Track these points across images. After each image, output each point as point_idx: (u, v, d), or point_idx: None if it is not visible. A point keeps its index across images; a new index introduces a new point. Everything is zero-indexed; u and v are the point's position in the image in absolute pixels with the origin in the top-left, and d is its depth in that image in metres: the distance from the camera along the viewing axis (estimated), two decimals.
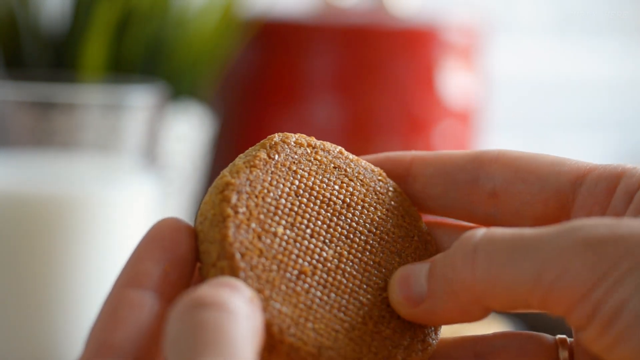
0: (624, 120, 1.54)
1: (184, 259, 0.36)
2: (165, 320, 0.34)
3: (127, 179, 0.72)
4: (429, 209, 0.40)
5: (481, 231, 0.35)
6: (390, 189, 0.39)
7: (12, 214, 0.69)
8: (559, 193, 0.37)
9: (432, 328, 0.38)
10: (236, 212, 0.35)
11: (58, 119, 0.71)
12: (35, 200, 0.69)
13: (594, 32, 1.49)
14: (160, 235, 0.35)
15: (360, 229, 0.37)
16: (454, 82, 0.99)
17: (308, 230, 0.36)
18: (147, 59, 0.84)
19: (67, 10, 0.84)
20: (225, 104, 0.99)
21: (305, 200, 0.37)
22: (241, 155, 0.37)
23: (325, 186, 0.37)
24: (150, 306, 0.35)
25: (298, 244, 0.36)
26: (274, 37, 0.97)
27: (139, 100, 0.72)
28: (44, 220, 0.69)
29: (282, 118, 0.96)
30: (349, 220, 0.37)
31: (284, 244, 0.36)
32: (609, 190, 0.37)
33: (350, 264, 0.37)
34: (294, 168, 0.37)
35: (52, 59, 0.84)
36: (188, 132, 0.87)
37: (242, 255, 0.35)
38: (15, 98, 0.71)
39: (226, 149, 0.98)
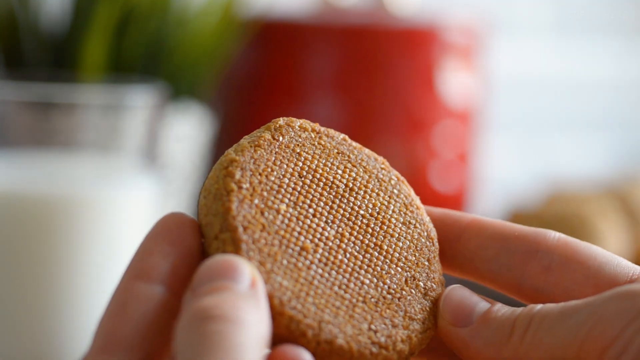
0: (624, 120, 1.54)
1: (191, 252, 0.36)
2: (174, 314, 0.34)
3: (127, 179, 0.72)
4: (477, 272, 0.41)
5: (539, 305, 0.37)
6: (393, 177, 0.39)
7: (12, 214, 0.69)
8: (612, 283, 0.39)
9: (433, 313, 0.38)
10: (240, 187, 0.36)
11: (58, 119, 0.71)
12: (35, 200, 0.69)
13: (594, 32, 1.49)
14: (167, 230, 0.36)
15: (362, 212, 0.38)
16: (454, 82, 0.99)
17: (310, 210, 0.37)
18: (147, 59, 0.84)
19: (67, 10, 0.84)
20: (225, 104, 0.99)
21: (308, 181, 0.37)
22: (246, 136, 0.38)
23: (328, 170, 0.38)
24: (159, 300, 0.35)
25: (300, 222, 0.36)
26: (274, 37, 0.97)
27: (139, 100, 0.72)
28: (44, 220, 0.69)
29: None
30: (350, 204, 0.38)
31: (286, 220, 0.36)
32: None
33: (352, 244, 0.37)
34: (298, 150, 0.38)
35: (52, 59, 0.84)
36: (188, 132, 0.87)
37: (245, 228, 0.35)
38: (15, 98, 0.71)
39: (226, 149, 0.98)
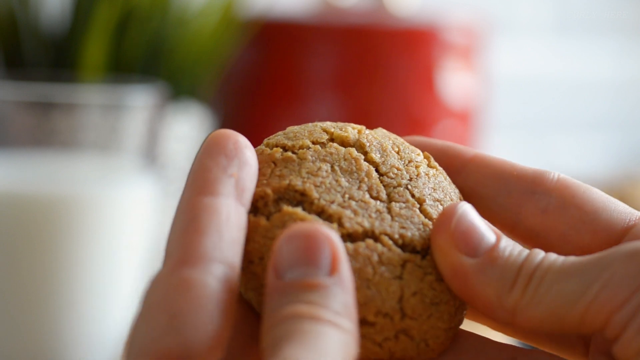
0: (624, 120, 1.54)
1: (249, 163, 0.36)
2: (243, 226, 0.35)
3: (127, 179, 0.72)
4: (475, 208, 0.40)
5: (542, 254, 0.36)
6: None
7: (12, 214, 0.69)
8: (609, 228, 0.38)
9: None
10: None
11: (58, 119, 0.71)
12: (35, 200, 0.69)
13: (594, 32, 1.49)
14: (219, 144, 0.36)
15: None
16: (454, 82, 0.99)
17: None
18: (147, 59, 0.84)
19: (67, 10, 0.84)
20: (225, 104, 0.99)
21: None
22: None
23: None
24: (227, 212, 0.35)
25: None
26: (274, 37, 0.97)
27: (139, 100, 0.72)
28: (44, 220, 0.69)
29: (282, 118, 0.96)
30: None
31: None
32: None
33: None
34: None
35: (52, 59, 0.84)
36: (188, 132, 0.87)
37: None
38: (15, 98, 0.71)
39: None
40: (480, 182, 0.40)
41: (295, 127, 0.39)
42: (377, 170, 0.38)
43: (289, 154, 0.38)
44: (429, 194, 0.38)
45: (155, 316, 0.33)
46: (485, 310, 0.36)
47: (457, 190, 0.39)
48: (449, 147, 0.41)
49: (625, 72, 1.53)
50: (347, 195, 0.37)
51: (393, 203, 0.37)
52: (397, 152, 0.40)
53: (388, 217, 0.37)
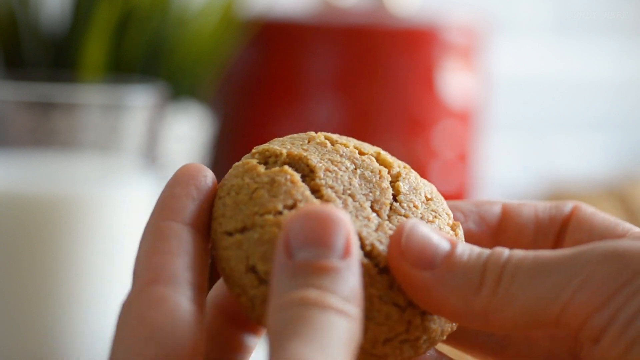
0: (624, 120, 1.54)
1: (212, 196, 0.37)
2: (205, 252, 0.36)
3: (127, 179, 0.72)
4: None
5: (507, 252, 0.35)
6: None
7: (12, 214, 0.69)
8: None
9: None
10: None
11: (58, 119, 0.71)
12: (35, 200, 0.69)
13: (594, 32, 1.49)
14: (191, 175, 0.37)
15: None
16: (454, 82, 0.99)
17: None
18: (147, 59, 0.84)
19: (67, 10, 0.84)
20: (225, 104, 0.99)
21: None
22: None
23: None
24: (192, 238, 0.36)
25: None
26: (274, 37, 0.97)
27: (139, 100, 0.72)
28: (44, 220, 0.69)
29: (282, 118, 0.96)
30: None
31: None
32: None
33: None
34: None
35: (52, 59, 0.84)
36: (188, 132, 0.87)
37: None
38: (15, 98, 0.71)
39: (226, 149, 0.98)
40: (520, 232, 0.40)
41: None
42: (394, 197, 0.38)
43: (327, 142, 0.38)
44: None
45: (135, 330, 0.33)
46: (456, 318, 0.35)
47: None
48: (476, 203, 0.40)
49: (625, 72, 1.53)
50: (349, 192, 0.37)
51: (387, 222, 0.37)
52: (427, 200, 0.39)
53: (373, 226, 0.37)
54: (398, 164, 0.39)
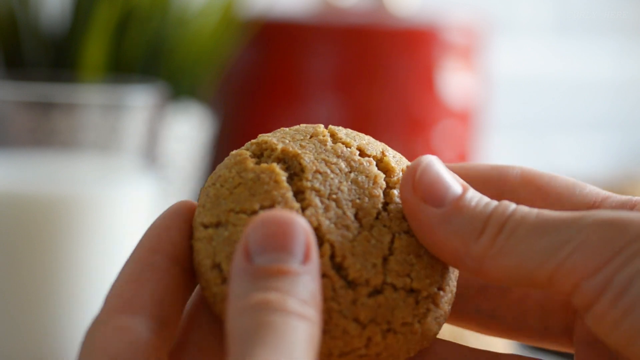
0: (624, 120, 1.54)
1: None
2: (187, 288, 0.36)
3: (127, 179, 0.72)
4: None
5: (513, 206, 0.36)
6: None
7: (12, 214, 0.69)
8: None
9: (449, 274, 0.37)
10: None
11: (58, 119, 0.71)
12: (35, 200, 0.69)
13: (594, 32, 1.49)
14: (184, 210, 0.37)
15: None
16: (454, 82, 0.99)
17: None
18: (147, 59, 0.84)
19: (67, 10, 0.84)
20: (225, 104, 0.99)
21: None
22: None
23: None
24: (174, 273, 0.36)
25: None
26: (274, 37, 0.97)
27: (139, 100, 0.72)
28: (44, 220, 0.69)
29: (282, 118, 0.96)
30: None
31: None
32: None
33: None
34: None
35: (52, 59, 0.84)
36: (188, 132, 0.87)
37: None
38: (15, 98, 0.71)
39: (226, 149, 0.98)
40: None
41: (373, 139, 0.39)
42: (385, 205, 0.37)
43: (329, 140, 0.38)
44: (405, 257, 0.37)
45: (96, 357, 0.34)
46: (452, 259, 0.36)
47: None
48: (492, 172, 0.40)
49: (625, 72, 1.53)
50: (334, 196, 0.37)
51: (367, 232, 0.36)
52: None
53: (350, 236, 0.36)
54: (402, 168, 0.38)
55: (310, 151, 0.37)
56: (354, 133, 0.39)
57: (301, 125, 0.39)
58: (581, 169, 1.47)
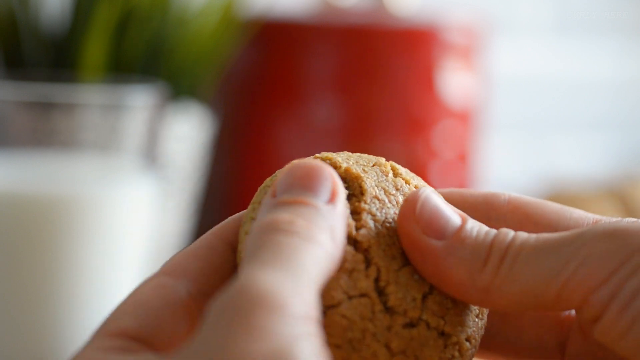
0: (624, 120, 1.54)
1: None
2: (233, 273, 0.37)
3: (127, 179, 0.72)
4: None
5: (512, 233, 0.36)
6: None
7: (12, 214, 0.69)
8: None
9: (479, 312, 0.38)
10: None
11: (58, 119, 0.71)
12: (35, 200, 0.69)
13: (594, 32, 1.50)
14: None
15: None
16: (454, 82, 0.99)
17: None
18: (147, 59, 0.84)
19: (67, 10, 0.84)
20: (225, 104, 0.99)
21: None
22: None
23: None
24: (229, 259, 0.37)
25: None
26: (274, 37, 0.97)
27: (139, 100, 0.72)
28: (44, 220, 0.69)
29: (282, 118, 0.96)
30: None
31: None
32: None
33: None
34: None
35: (52, 59, 0.84)
36: (188, 132, 0.87)
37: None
38: (15, 98, 0.71)
39: (226, 149, 0.98)
40: None
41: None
42: None
43: (390, 172, 0.39)
44: (443, 300, 0.37)
45: (126, 300, 0.35)
46: (458, 291, 0.36)
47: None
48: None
49: (625, 72, 1.53)
50: (387, 225, 0.37)
51: (411, 267, 0.37)
52: None
53: (395, 266, 0.37)
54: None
55: (371, 177, 0.38)
56: (412, 173, 0.40)
57: (363, 154, 0.40)
58: (581, 169, 1.48)
